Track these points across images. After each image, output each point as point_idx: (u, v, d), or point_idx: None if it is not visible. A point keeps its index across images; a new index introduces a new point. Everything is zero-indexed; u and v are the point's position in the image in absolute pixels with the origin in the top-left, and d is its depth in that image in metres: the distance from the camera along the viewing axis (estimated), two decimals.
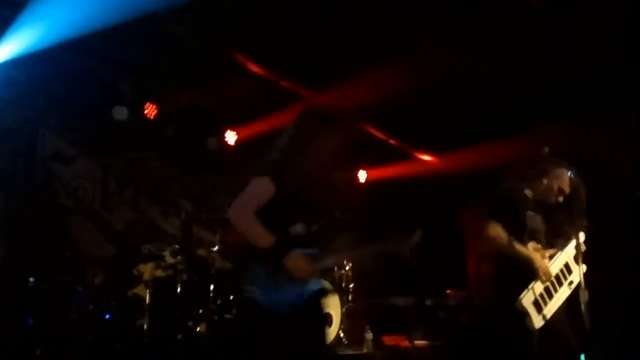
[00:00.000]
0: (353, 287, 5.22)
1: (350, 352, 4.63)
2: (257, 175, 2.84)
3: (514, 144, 5.20)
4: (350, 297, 5.17)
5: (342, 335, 4.88)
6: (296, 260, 2.73)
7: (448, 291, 5.55)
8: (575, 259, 3.44)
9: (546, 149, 3.51)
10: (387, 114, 6.42)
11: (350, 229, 3.20)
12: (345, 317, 4.96)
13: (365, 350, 4.63)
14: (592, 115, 5.19)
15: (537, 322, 3.21)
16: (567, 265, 3.45)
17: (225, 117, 6.19)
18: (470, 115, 6.04)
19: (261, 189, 2.82)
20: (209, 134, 6.14)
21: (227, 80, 5.79)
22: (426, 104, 5.90)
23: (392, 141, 7.18)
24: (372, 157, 7.31)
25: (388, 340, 4.92)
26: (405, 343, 4.76)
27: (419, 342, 4.75)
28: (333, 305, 4.91)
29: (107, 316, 4.08)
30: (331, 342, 4.74)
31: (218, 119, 6.16)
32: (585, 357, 4.21)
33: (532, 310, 3.21)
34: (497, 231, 3.21)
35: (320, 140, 2.88)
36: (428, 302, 5.33)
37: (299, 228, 2.84)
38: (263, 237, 2.76)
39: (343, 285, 5.18)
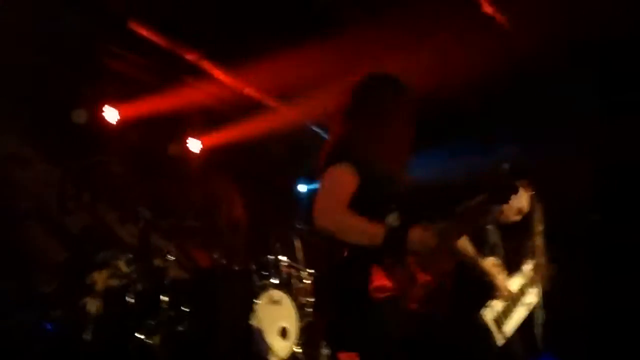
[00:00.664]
0: (311, 300, 5.17)
1: None
2: (330, 164, 2.37)
3: None
4: (308, 311, 5.12)
5: (297, 350, 4.82)
6: (420, 233, 2.24)
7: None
8: (533, 279, 3.46)
9: (506, 167, 3.52)
10: None
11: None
12: (302, 331, 4.90)
13: None
14: (547, 136, 5.28)
15: (499, 339, 3.19)
16: (524, 285, 3.46)
17: (188, 123, 6.11)
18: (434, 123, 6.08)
19: (344, 178, 2.33)
20: (171, 141, 6.05)
21: (191, 86, 5.73)
22: None
23: None
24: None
25: (344, 357, 4.86)
26: None
27: None
28: (289, 319, 4.85)
29: (49, 326, 3.92)
30: (286, 357, 4.68)
31: (181, 126, 6.08)
32: None
33: (493, 326, 3.20)
34: (464, 243, 3.20)
35: (396, 111, 2.47)
36: None
37: (392, 219, 2.39)
38: (372, 229, 2.25)
39: (301, 298, 5.13)
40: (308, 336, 4.95)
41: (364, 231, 2.26)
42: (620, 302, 4.96)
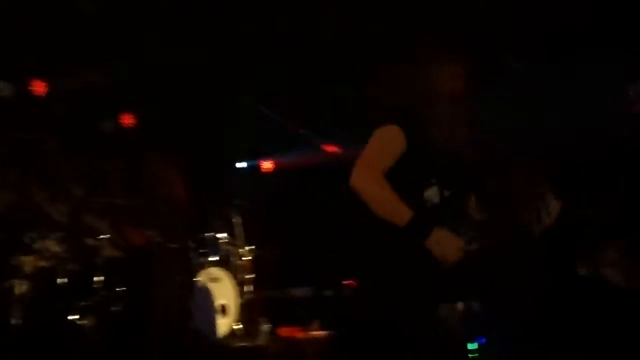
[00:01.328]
0: (250, 277, 5.15)
1: (244, 344, 4.56)
2: (380, 124, 2.24)
3: None
4: (247, 288, 5.10)
5: (237, 327, 4.80)
6: (444, 237, 2.15)
7: (346, 282, 5.58)
8: None
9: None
10: (295, 103, 6.38)
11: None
12: (241, 308, 4.88)
13: (259, 342, 4.57)
14: None
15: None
16: None
17: (123, 98, 5.90)
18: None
19: (392, 141, 2.21)
20: (104, 116, 5.84)
21: (126, 59, 5.53)
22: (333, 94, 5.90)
23: (299, 129, 7.16)
24: (279, 145, 7.25)
25: (284, 331, 4.89)
26: (301, 334, 4.74)
27: (314, 333, 4.75)
28: (228, 296, 4.82)
29: None
30: (225, 334, 4.65)
31: (115, 100, 5.87)
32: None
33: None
34: None
35: (449, 72, 2.31)
36: (326, 293, 5.33)
37: (432, 195, 2.27)
38: (400, 210, 2.15)
39: (240, 275, 5.10)
40: (247, 313, 4.94)
41: (392, 208, 2.17)
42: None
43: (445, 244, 2.17)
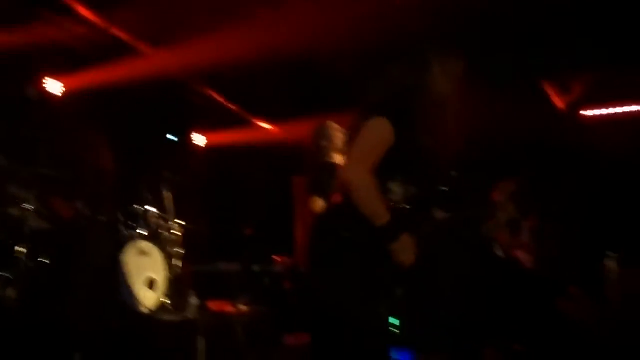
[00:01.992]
0: (180, 251, 5.15)
1: (173, 317, 4.58)
2: (371, 116, 2.29)
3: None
4: (176, 262, 5.10)
5: (165, 300, 4.81)
6: (407, 244, 2.28)
7: (275, 257, 5.69)
8: None
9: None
10: (228, 79, 6.34)
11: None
12: (171, 282, 4.89)
13: (189, 316, 4.60)
14: None
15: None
16: None
17: (47, 64, 5.68)
18: (309, 86, 6.17)
19: (384, 135, 2.27)
20: (28, 82, 5.61)
21: (49, 21, 5.31)
22: (267, 72, 5.91)
23: (231, 106, 7.13)
24: (211, 121, 7.21)
25: (213, 305, 4.94)
26: (230, 308, 4.81)
27: (243, 308, 4.82)
28: (158, 270, 4.81)
29: None
30: (154, 308, 4.66)
31: (38, 65, 5.64)
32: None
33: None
34: (317, 204, 3.32)
35: (443, 71, 2.40)
36: (255, 268, 5.41)
37: (395, 187, 2.35)
38: (381, 211, 2.25)
39: (169, 249, 5.09)
40: (176, 287, 4.95)
41: (376, 208, 2.25)
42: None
43: (407, 250, 2.30)
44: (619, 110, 6.02)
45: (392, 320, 4.77)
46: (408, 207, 2.37)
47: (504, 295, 5.05)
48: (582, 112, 6.21)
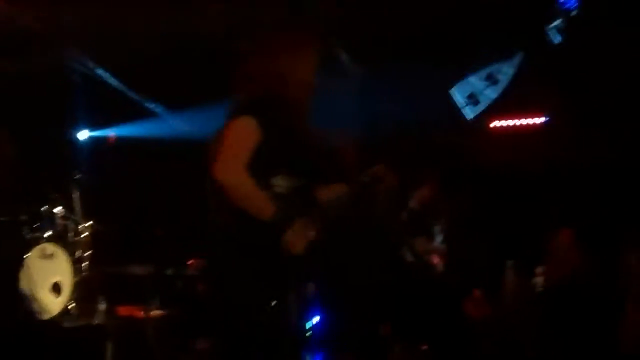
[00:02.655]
0: (89, 254, 4.96)
1: (80, 323, 4.42)
2: (235, 116, 2.28)
3: None
4: (83, 265, 4.91)
5: (71, 305, 4.63)
6: (300, 233, 2.27)
7: (190, 261, 5.59)
8: None
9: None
10: (136, 72, 6.17)
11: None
12: (77, 286, 4.70)
13: (96, 322, 4.45)
14: None
15: None
16: None
17: None
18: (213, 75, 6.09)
19: (248, 133, 2.25)
20: None
21: None
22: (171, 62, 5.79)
23: (143, 100, 6.93)
24: (123, 117, 6.98)
25: (122, 310, 4.80)
26: (140, 313, 4.68)
27: (154, 312, 4.71)
28: (63, 274, 4.62)
29: None
30: (59, 313, 4.47)
31: None
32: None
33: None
34: None
35: (302, 61, 2.40)
36: (168, 272, 5.29)
37: (279, 182, 2.34)
38: (265, 204, 2.23)
39: (77, 251, 4.89)
40: (83, 291, 4.78)
41: (258, 203, 2.24)
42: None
43: (301, 236, 2.29)
44: (522, 121, 6.38)
45: (305, 322, 4.83)
46: (295, 196, 2.38)
47: (412, 297, 5.24)
48: (490, 123, 6.52)
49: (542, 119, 6.34)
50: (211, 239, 2.44)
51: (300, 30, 2.53)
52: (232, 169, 2.22)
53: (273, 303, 2.34)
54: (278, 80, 2.37)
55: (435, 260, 5.76)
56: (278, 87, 2.37)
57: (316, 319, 4.97)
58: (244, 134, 2.27)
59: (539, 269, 3.97)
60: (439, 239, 5.84)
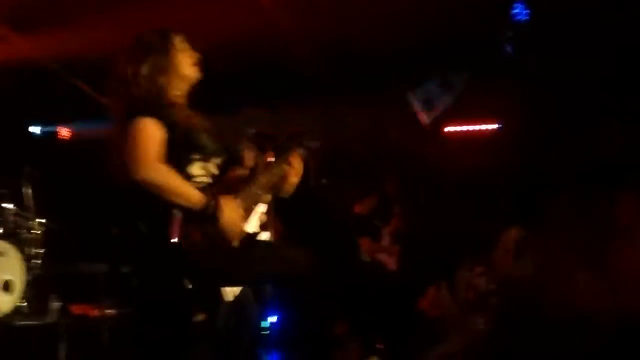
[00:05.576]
0: (41, 252, 4.84)
1: (31, 322, 4.31)
2: (132, 117, 2.30)
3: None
4: (35, 263, 4.79)
5: (23, 304, 4.51)
6: (231, 208, 2.32)
7: None
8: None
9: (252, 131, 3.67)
10: (95, 69, 6.05)
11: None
12: (29, 284, 4.58)
13: (49, 320, 4.35)
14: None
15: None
16: None
17: None
18: None
19: (149, 130, 2.29)
20: None
21: None
22: None
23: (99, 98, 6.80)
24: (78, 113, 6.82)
25: (76, 309, 4.71)
26: (94, 312, 4.61)
27: (108, 311, 4.64)
28: (14, 271, 4.49)
29: None
30: (10, 312, 4.35)
31: None
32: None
33: None
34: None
35: (175, 58, 2.49)
36: (123, 269, 5.21)
37: (196, 170, 2.42)
38: (192, 193, 2.27)
39: (28, 249, 4.77)
40: (35, 289, 4.66)
41: (185, 193, 2.27)
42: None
43: (233, 214, 2.33)
44: (475, 127, 6.59)
45: (262, 322, 4.85)
46: (216, 180, 2.46)
47: (366, 296, 5.34)
48: (445, 128, 6.70)
49: (495, 125, 6.57)
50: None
51: (160, 30, 2.59)
52: (149, 165, 2.25)
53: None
54: (150, 79, 2.44)
55: (384, 258, 5.98)
56: (152, 86, 2.43)
57: (273, 318, 5.01)
58: (147, 133, 2.30)
59: (478, 269, 4.08)
60: (386, 240, 6.09)
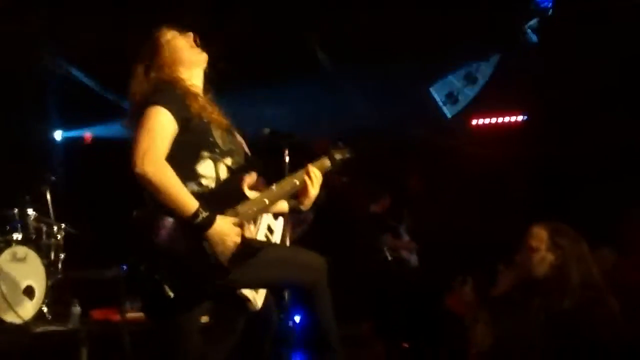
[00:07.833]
0: (62, 257, 4.83)
1: (53, 328, 4.29)
2: (147, 107, 2.21)
3: None
4: (57, 269, 4.78)
5: (44, 310, 4.50)
6: (224, 227, 2.17)
7: None
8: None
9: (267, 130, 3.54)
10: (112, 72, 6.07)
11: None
12: (51, 290, 4.57)
13: (70, 326, 4.33)
14: None
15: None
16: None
17: None
18: None
19: (163, 122, 2.19)
20: None
21: None
22: None
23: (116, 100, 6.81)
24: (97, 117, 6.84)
25: (97, 314, 4.68)
26: (116, 316, 4.56)
27: (131, 315, 4.60)
28: (36, 277, 4.48)
29: None
30: (31, 318, 4.33)
31: None
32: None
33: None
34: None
35: (168, 49, 2.41)
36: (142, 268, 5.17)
37: (206, 169, 2.30)
38: (187, 200, 2.14)
39: (51, 255, 4.76)
40: (57, 294, 4.65)
41: (179, 199, 2.14)
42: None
43: (225, 233, 2.18)
44: (502, 119, 6.43)
45: (287, 321, 4.75)
46: (223, 189, 2.32)
47: (392, 295, 5.23)
48: (472, 121, 6.57)
49: (522, 117, 6.40)
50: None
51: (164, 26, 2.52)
52: (150, 160, 2.14)
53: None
54: (159, 76, 2.38)
55: (405, 254, 5.96)
56: (164, 77, 2.37)
57: (297, 318, 4.91)
58: (158, 124, 2.20)
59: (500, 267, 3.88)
60: (405, 237, 6.04)
